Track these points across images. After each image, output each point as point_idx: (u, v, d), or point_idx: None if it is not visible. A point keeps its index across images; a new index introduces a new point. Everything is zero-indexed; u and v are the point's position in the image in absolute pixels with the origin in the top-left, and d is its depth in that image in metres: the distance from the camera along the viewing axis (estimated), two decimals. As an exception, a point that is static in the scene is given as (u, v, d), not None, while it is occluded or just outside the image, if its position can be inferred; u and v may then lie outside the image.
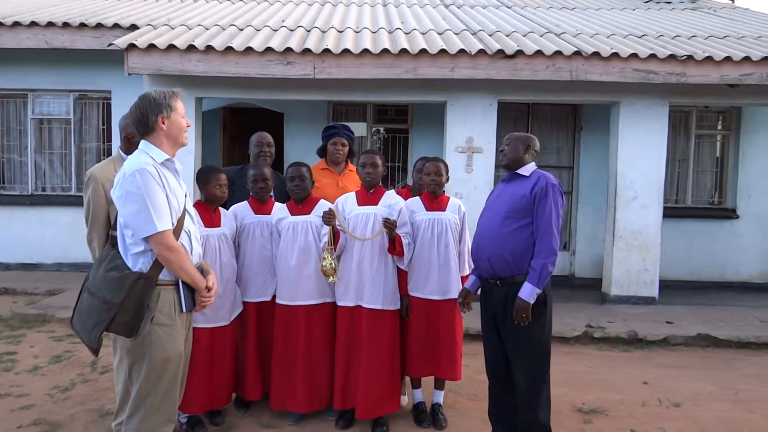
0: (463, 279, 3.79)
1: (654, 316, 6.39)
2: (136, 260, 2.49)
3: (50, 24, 7.34)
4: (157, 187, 2.46)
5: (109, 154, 8.05)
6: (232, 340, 3.68)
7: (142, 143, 2.59)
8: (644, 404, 4.17)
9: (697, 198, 8.41)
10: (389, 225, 3.47)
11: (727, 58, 6.35)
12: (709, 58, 6.35)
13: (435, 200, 3.78)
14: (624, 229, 6.93)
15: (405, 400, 3.99)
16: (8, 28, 7.37)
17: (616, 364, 5.10)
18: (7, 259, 8.10)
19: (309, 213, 3.69)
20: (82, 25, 7.35)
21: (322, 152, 4.39)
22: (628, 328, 5.85)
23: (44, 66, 7.96)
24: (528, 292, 3.02)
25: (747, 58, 6.35)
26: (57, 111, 8.29)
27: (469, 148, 6.90)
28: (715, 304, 7.00)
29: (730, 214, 8.25)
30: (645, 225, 6.92)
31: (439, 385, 3.89)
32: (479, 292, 3.41)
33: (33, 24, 7.34)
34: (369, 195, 3.69)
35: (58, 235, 8.03)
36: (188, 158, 6.54)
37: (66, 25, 7.34)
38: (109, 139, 8.14)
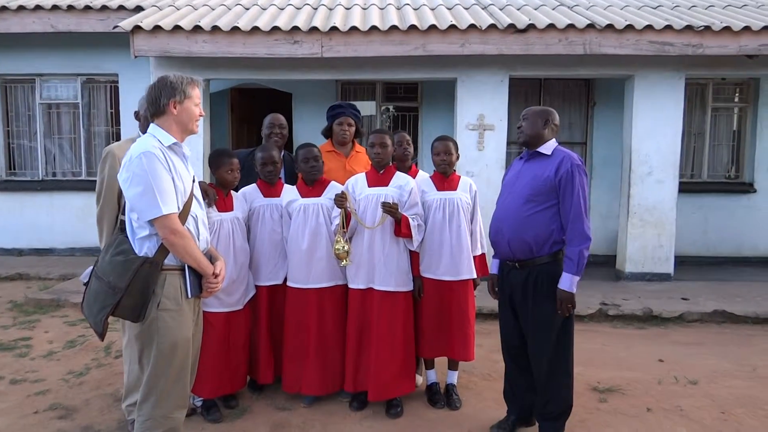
0: (476, 258, 3.75)
1: (669, 292, 6.31)
2: (141, 244, 2.47)
3: (55, 7, 7.28)
4: (163, 170, 2.43)
5: (118, 137, 8.05)
6: (247, 325, 3.67)
7: (151, 126, 2.56)
8: (660, 382, 4.13)
9: (714, 172, 8.27)
10: (389, 209, 3.41)
11: (746, 28, 6.17)
12: (727, 29, 6.18)
13: (446, 180, 3.71)
14: (639, 205, 6.83)
15: (420, 380, 3.97)
16: (13, 12, 7.33)
17: (631, 341, 5.06)
18: (20, 244, 8.18)
19: (320, 195, 3.65)
20: (87, 8, 7.29)
21: (328, 133, 4.22)
22: (643, 305, 5.79)
23: (51, 50, 7.93)
24: (569, 283, 2.96)
25: (766, 28, 6.17)
26: (65, 95, 8.28)
27: (480, 126, 6.80)
28: (732, 280, 6.92)
29: (747, 188, 8.11)
30: (660, 200, 6.81)
31: (453, 366, 3.86)
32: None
33: (38, 8, 7.29)
34: (379, 176, 3.62)
35: (69, 220, 8.08)
36: (196, 141, 6.50)
37: (71, 8, 7.28)
38: (118, 123, 8.11)
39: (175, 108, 2.52)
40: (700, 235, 8.02)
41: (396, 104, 8.46)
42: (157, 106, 2.53)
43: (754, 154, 8.08)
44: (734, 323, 5.57)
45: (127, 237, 2.52)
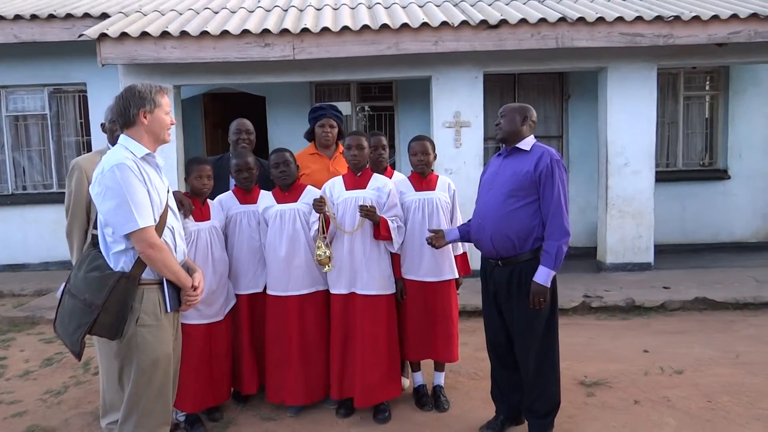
0: (457, 258, 3.72)
1: (650, 282, 6.36)
2: (117, 259, 2.39)
3: (18, 17, 7.09)
4: (138, 182, 2.36)
5: (89, 147, 7.89)
6: (228, 335, 3.59)
7: (122, 137, 2.48)
8: (646, 373, 4.14)
9: (688, 160, 8.37)
10: (366, 212, 3.37)
11: (715, 17, 6.24)
12: (696, 18, 6.24)
13: (424, 180, 3.67)
14: (617, 196, 6.87)
15: (406, 383, 3.93)
16: (-26, 24, 7.12)
17: (615, 333, 5.07)
18: (-9, 260, 7.96)
19: (296, 200, 3.58)
20: (51, 17, 7.11)
21: (310, 136, 4.16)
22: (625, 295, 5.82)
23: (16, 61, 7.72)
24: (544, 276, 2.95)
25: (735, 16, 6.24)
26: (32, 107, 8.08)
27: (456, 123, 6.78)
28: (711, 267, 6.99)
29: (722, 174, 8.22)
30: (638, 191, 6.86)
31: (439, 367, 3.83)
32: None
33: (0, 18, 7.09)
34: (357, 178, 3.57)
35: (42, 234, 7.87)
36: (169, 149, 6.39)
37: (34, 17, 7.09)
38: (88, 133, 7.95)
39: (145, 118, 2.45)
40: (678, 224, 8.10)
41: (371, 104, 8.42)
42: (127, 117, 2.45)
43: (726, 141, 8.19)
44: (715, 310, 5.62)
45: (100, 252, 2.44)
